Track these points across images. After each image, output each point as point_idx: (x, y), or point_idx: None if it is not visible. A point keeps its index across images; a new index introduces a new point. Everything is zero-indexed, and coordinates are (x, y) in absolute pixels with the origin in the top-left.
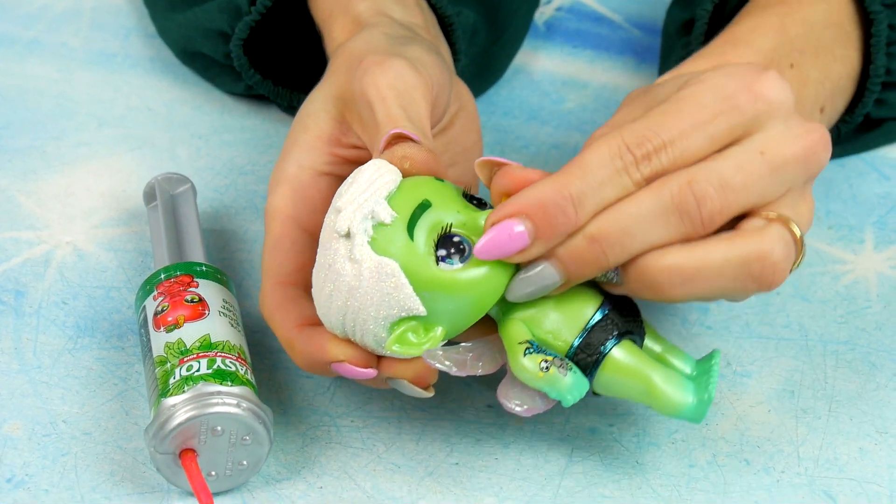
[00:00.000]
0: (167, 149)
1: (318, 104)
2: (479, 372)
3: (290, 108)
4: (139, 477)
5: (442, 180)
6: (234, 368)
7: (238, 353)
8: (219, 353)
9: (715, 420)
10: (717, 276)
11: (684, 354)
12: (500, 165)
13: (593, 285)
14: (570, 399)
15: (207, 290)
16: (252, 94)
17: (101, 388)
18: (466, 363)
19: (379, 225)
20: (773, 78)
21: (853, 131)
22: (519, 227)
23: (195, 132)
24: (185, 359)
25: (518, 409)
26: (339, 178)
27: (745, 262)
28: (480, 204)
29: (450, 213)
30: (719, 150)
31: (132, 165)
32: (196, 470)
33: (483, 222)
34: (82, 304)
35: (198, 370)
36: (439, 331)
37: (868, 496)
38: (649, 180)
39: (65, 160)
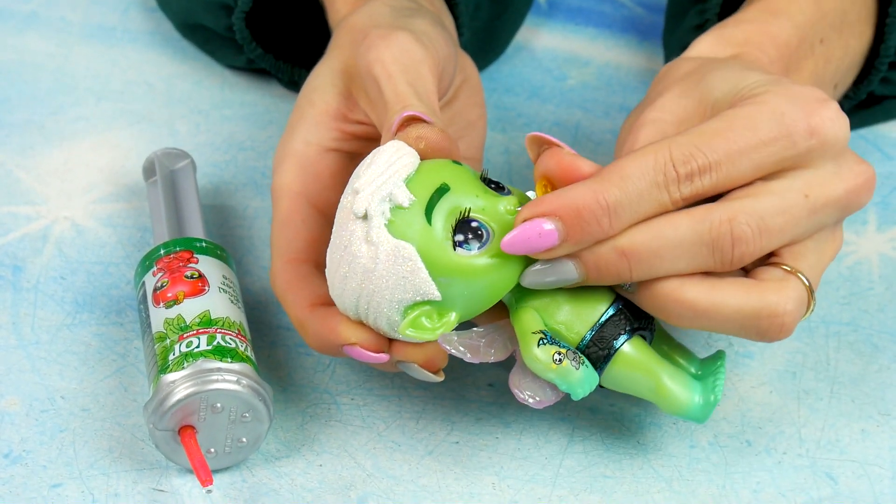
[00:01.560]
0: (166, 124)
1: (324, 79)
2: (492, 359)
3: (292, 83)
4: (137, 453)
5: (460, 164)
6: (233, 345)
7: (238, 329)
8: (219, 330)
9: None
10: (725, 320)
11: (690, 354)
12: (550, 145)
13: None
14: (580, 392)
15: (207, 266)
16: (252, 69)
17: (99, 364)
18: (480, 349)
19: (397, 208)
20: (833, 112)
21: (853, 107)
22: (549, 227)
23: (195, 107)
24: (185, 335)
25: (531, 400)
26: (347, 154)
27: (757, 316)
28: (499, 188)
29: (468, 197)
30: (763, 179)
31: (131, 141)
32: (195, 447)
33: (502, 208)
34: (81, 279)
35: (197, 346)
36: (453, 316)
37: (870, 478)
38: (687, 200)
39: (63, 135)
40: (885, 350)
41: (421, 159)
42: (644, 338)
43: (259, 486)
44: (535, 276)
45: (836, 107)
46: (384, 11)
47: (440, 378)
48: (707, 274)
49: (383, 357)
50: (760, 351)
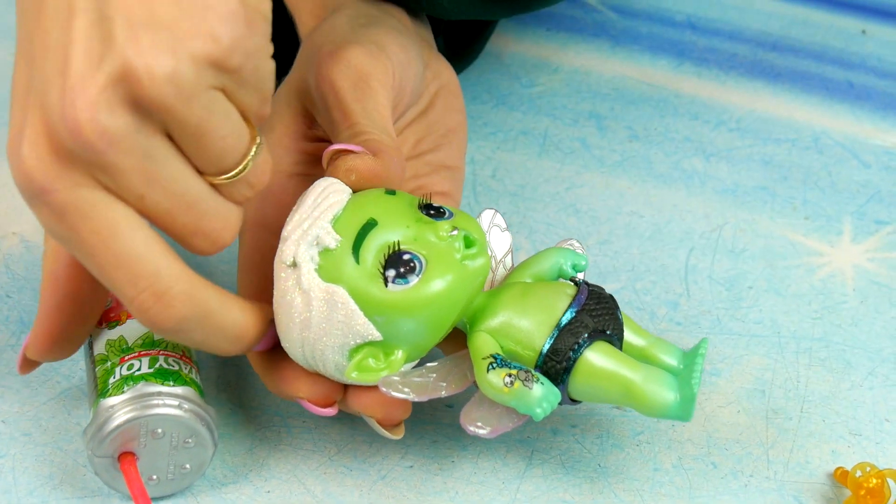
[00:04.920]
0: None
1: (281, 101)
2: (444, 394)
3: None
4: (79, 480)
5: (394, 192)
6: (177, 367)
7: (182, 351)
8: (161, 352)
9: (681, 422)
10: None
11: (671, 346)
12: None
13: (564, 283)
14: (539, 413)
15: None
16: None
17: (43, 387)
18: (428, 387)
19: (325, 251)
20: None
21: None
22: None
23: None
24: (126, 357)
25: (481, 431)
26: (310, 178)
27: None
28: (438, 213)
29: (397, 230)
30: None
31: None
32: (135, 474)
33: (432, 237)
34: (27, 297)
35: (139, 369)
36: (400, 354)
37: (840, 502)
38: None
39: None
40: (858, 367)
41: (355, 191)
42: (610, 341)
43: None
44: None
45: None
46: (342, 23)
47: (398, 435)
48: None
49: (331, 412)
50: (729, 368)
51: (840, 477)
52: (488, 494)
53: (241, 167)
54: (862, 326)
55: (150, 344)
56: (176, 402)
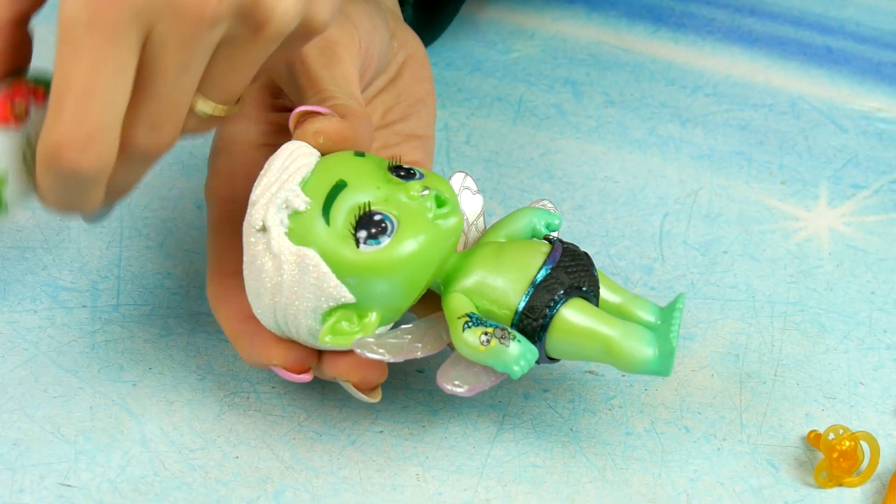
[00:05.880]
0: None
1: None
2: (419, 354)
3: None
4: (45, 446)
5: (363, 154)
6: None
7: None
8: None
9: (654, 385)
10: None
11: (648, 303)
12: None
13: (539, 241)
14: (517, 371)
15: None
16: None
17: (10, 354)
18: (403, 348)
19: (294, 213)
20: None
21: None
22: None
23: None
24: None
25: (459, 389)
26: (278, 149)
27: None
28: (409, 174)
29: (368, 191)
30: None
31: None
32: None
33: (403, 197)
34: None
35: None
36: (374, 316)
37: (813, 465)
38: None
39: None
40: (833, 330)
41: (323, 154)
42: (586, 297)
43: (171, 479)
44: None
45: None
46: None
47: (376, 399)
48: None
49: (306, 378)
50: (703, 332)
51: (813, 440)
52: (459, 459)
53: (233, 107)
54: (837, 290)
55: None
56: None
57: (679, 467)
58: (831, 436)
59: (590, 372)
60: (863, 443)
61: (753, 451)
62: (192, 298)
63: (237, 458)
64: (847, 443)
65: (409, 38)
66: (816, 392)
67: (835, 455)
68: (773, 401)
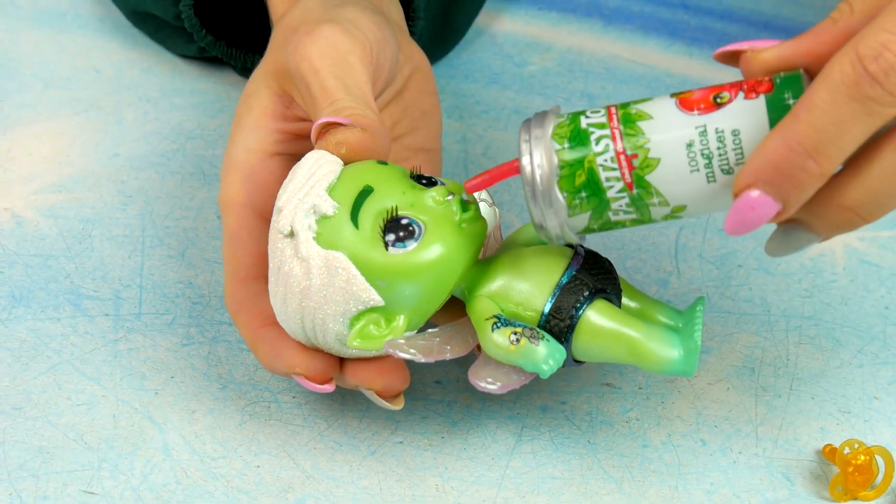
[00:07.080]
0: (113, 112)
1: (259, 82)
2: (448, 356)
3: (245, 70)
4: (69, 454)
5: (386, 163)
6: None
7: None
8: None
9: (671, 398)
10: None
11: (667, 307)
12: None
13: (560, 247)
14: (546, 369)
15: None
16: (205, 57)
17: (33, 361)
18: (433, 349)
19: (322, 218)
20: None
21: None
22: (756, 194)
23: (143, 95)
24: None
25: (491, 386)
26: (292, 158)
27: None
28: (430, 183)
29: (394, 195)
30: None
31: (76, 129)
32: None
33: (430, 200)
34: (18, 272)
35: None
36: (402, 319)
37: (828, 478)
38: None
39: (6, 122)
40: (847, 345)
41: (345, 164)
42: (609, 300)
43: (193, 487)
44: (776, 248)
45: None
46: (314, 6)
47: (398, 406)
48: None
49: (328, 388)
50: (718, 346)
51: (828, 454)
52: (478, 470)
53: None
54: (851, 305)
55: None
56: None
57: (696, 480)
58: (847, 450)
59: (607, 385)
60: (878, 457)
61: (769, 465)
62: (214, 308)
63: (258, 466)
64: (862, 457)
65: (414, 52)
66: (831, 406)
67: (850, 469)
68: (788, 414)
